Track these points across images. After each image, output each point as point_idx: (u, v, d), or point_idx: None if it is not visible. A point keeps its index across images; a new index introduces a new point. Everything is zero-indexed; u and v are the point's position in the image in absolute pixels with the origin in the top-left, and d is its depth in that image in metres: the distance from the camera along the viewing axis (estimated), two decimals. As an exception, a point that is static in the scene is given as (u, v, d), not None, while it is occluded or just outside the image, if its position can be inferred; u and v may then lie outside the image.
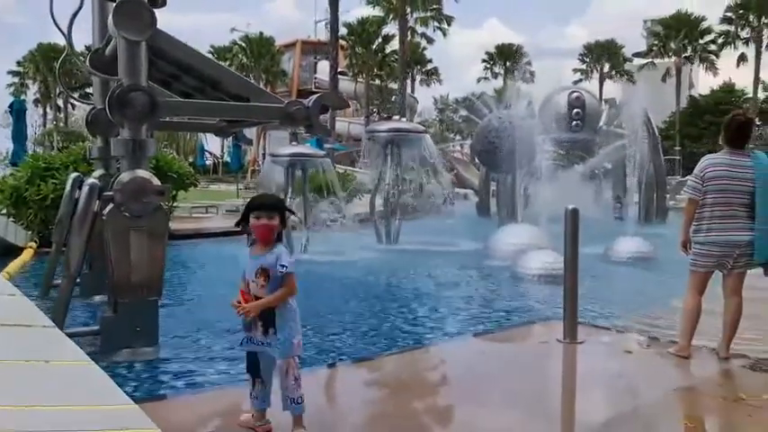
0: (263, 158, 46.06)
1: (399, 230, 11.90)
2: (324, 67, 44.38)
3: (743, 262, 4.39)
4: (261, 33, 49.53)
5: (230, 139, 27.00)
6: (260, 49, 49.18)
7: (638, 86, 40.80)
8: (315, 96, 5.58)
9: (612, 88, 52.01)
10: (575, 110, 18.36)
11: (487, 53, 56.31)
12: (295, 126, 5.65)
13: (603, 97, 38.26)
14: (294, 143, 10.50)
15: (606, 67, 54.11)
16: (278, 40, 51.34)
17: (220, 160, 50.41)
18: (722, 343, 4.49)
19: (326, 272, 9.05)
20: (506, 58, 54.32)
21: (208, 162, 44.41)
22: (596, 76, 54.26)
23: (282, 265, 3.02)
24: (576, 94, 18.71)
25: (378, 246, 11.57)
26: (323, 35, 46.75)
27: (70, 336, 5.09)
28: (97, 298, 6.68)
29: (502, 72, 53.31)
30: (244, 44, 50.03)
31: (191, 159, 37.93)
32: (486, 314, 6.49)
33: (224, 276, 8.54)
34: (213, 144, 50.94)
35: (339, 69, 37.18)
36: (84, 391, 2.81)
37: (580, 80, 49.97)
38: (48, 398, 2.69)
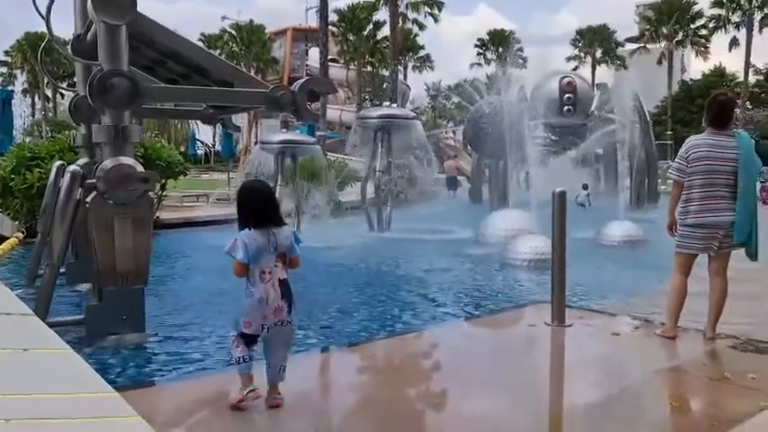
0: (255, 146, 45.86)
1: (391, 218, 11.87)
2: (315, 54, 44.00)
3: (728, 243, 4.39)
4: (251, 21, 49.14)
5: (221, 127, 26.82)
6: (250, 37, 48.78)
7: (630, 71, 40.79)
8: (301, 81, 5.51)
9: (605, 74, 51.93)
10: (566, 95, 18.37)
11: (480, 39, 56.09)
12: (281, 111, 5.57)
13: (596, 83, 38.17)
14: (284, 130, 10.42)
15: (598, 53, 53.95)
16: (269, 27, 50.96)
17: (212, 149, 50.14)
18: (708, 324, 4.49)
19: (318, 259, 9.02)
20: (499, 44, 54.09)
21: (199, 151, 44.17)
22: (589, 61, 54.12)
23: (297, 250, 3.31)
24: (567, 80, 18.71)
25: (369, 233, 11.55)
26: (314, 22, 46.36)
27: (55, 325, 5.05)
28: (83, 286, 6.64)
29: (494, 58, 53.11)
30: (234, 32, 49.60)
31: (182, 149, 37.67)
32: (476, 299, 6.52)
33: (213, 264, 8.55)
34: (205, 133, 50.67)
35: (330, 57, 36.92)
36: (64, 379, 2.77)
37: (576, 67, 49.77)
38: (26, 386, 2.65)
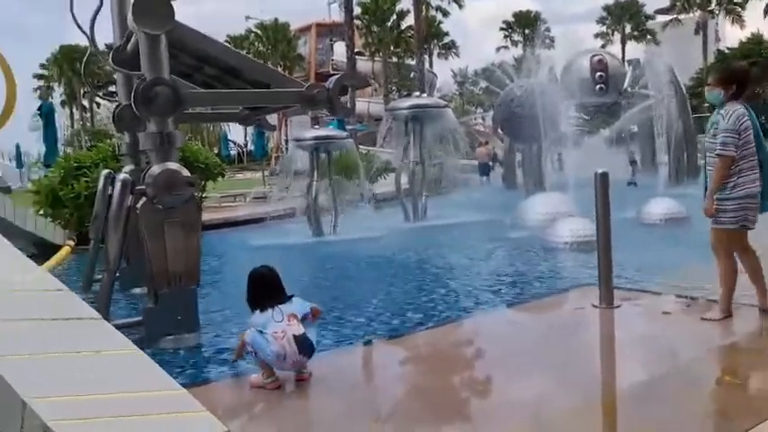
0: (286, 145, 46.27)
1: (426, 207, 11.90)
2: (340, 48, 44.14)
3: (757, 214, 4.36)
4: (276, 19, 49.43)
5: (253, 127, 27.15)
6: (276, 36, 49.13)
7: (663, 45, 39.73)
8: (335, 77, 5.59)
9: (635, 50, 50.73)
10: (598, 73, 18.01)
11: (505, 22, 55.46)
12: (316, 108, 5.66)
13: (627, 59, 37.30)
14: (316, 126, 10.53)
15: (627, 28, 52.70)
16: (292, 24, 51.20)
17: (244, 149, 50.76)
18: (760, 297, 4.42)
19: (357, 251, 9.14)
20: (525, 25, 53.33)
21: (232, 152, 44.78)
22: (617, 38, 52.95)
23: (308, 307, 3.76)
24: (598, 57, 18.35)
25: (406, 223, 11.61)
26: (337, 16, 46.44)
27: (115, 327, 5.27)
28: (136, 290, 6.86)
29: (521, 40, 52.40)
30: (259, 31, 50.00)
31: (215, 150, 38.27)
32: (520, 284, 6.49)
33: (256, 263, 8.74)
34: (236, 134, 51.32)
35: (355, 50, 36.90)
36: (135, 379, 2.91)
37: (604, 45, 48.71)
38: (101, 387, 2.80)
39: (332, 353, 4.26)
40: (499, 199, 15.22)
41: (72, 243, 9.96)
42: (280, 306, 3.66)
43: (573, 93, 17.04)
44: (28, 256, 9.11)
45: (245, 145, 52.35)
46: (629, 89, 18.33)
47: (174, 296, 4.92)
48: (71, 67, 49.27)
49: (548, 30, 50.86)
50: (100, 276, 6.34)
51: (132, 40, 5.82)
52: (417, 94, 14.41)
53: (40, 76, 55.70)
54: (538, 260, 7.69)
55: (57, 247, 9.59)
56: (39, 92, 52.04)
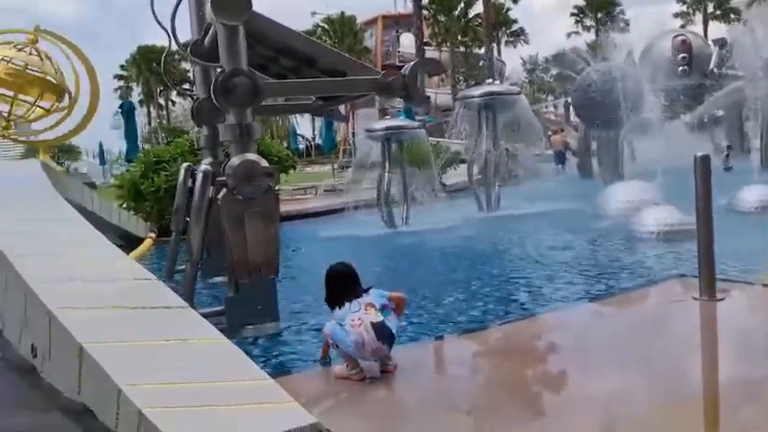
0: (353, 137, 46.56)
1: (500, 196, 11.61)
2: (406, 40, 44.03)
3: None
4: (342, 13, 49.75)
5: (322, 120, 27.42)
6: (342, 29, 49.48)
7: (749, 24, 37.27)
8: (411, 64, 5.45)
9: (716, 30, 47.90)
10: (681, 55, 17.15)
11: (576, 6, 53.59)
12: (392, 96, 5.55)
13: (711, 39, 35.25)
14: (387, 117, 10.44)
15: (710, 7, 49.88)
16: (358, 17, 51.38)
17: (312, 143, 51.44)
18: None
19: (431, 241, 8.99)
20: (597, 9, 51.40)
21: (301, 146, 45.46)
22: (699, 19, 50.17)
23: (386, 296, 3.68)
24: (680, 38, 17.48)
25: (479, 213, 11.37)
26: (402, 8, 46.28)
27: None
28: (217, 279, 6.99)
29: (593, 25, 50.57)
30: (326, 26, 50.48)
31: (284, 144, 38.96)
32: (609, 275, 6.11)
33: (331, 253, 8.73)
34: (304, 128, 52.11)
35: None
36: (223, 368, 2.90)
37: (684, 25, 46.24)
38: (188, 374, 2.80)
39: (415, 345, 4.15)
40: (575, 188, 14.70)
41: (154, 235, 10.31)
42: (357, 299, 3.62)
43: (654, 76, 16.24)
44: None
45: (313, 139, 53.04)
46: (714, 70, 17.30)
47: (254, 286, 4.95)
48: (148, 66, 51.43)
49: (622, 13, 48.85)
50: (181, 267, 6.50)
51: (210, 32, 5.89)
52: (490, 81, 14.06)
53: (119, 77, 58.43)
54: (624, 251, 7.30)
55: (140, 240, 9.95)
56: (119, 92, 54.68)
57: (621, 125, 12.61)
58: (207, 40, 6.03)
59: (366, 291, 3.69)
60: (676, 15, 49.99)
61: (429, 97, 10.51)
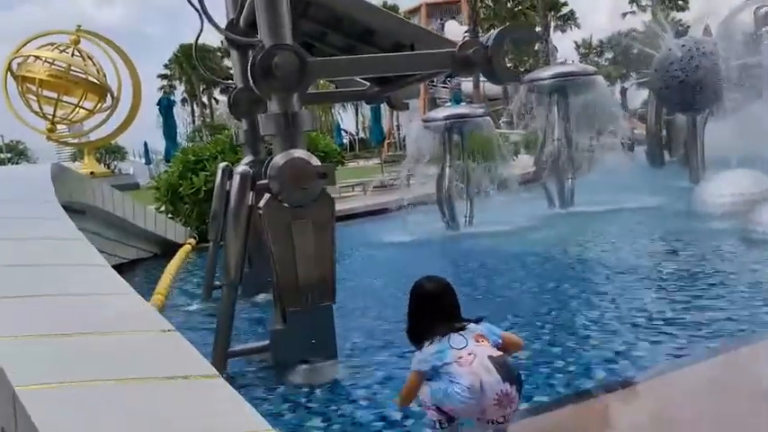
0: (398, 130, 45.40)
1: (573, 190, 10.33)
2: (451, 27, 42.48)
3: None
4: (385, 2, 48.54)
5: (371, 111, 26.43)
6: (386, 19, 48.26)
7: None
8: (495, 31, 4.32)
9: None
10: (766, 27, 15.40)
11: (631, -16, 50.86)
12: (472, 72, 4.43)
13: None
14: (448, 104, 9.29)
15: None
16: (401, 5, 50.08)
17: (356, 137, 50.68)
18: None
19: (502, 246, 7.82)
20: (652, -14, 48.69)
21: (345, 140, 44.68)
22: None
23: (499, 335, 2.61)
24: (765, 9, 15.69)
25: (551, 210, 10.12)
26: (447, -6, 44.83)
27: (239, 354, 4.38)
28: (260, 297, 6.05)
29: (649, 4, 47.94)
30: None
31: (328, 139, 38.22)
32: (743, 298, 4.64)
33: (391, 262, 7.63)
34: (348, 122, 51.42)
35: (466, 27, 35.27)
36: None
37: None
38: None
39: (529, 412, 3.01)
40: (650, 179, 13.27)
41: (193, 241, 9.49)
42: (460, 332, 2.53)
43: (734, 52, 14.66)
44: (150, 255, 8.57)
45: (357, 133, 52.31)
46: (808, 43, 15.49)
47: (307, 315, 3.93)
48: (190, 64, 51.40)
49: (679, -10, 46.06)
50: (220, 283, 5.55)
51: (245, 9, 4.90)
52: (563, 60, 12.71)
53: (163, 76, 58.76)
54: (752, 260, 5.87)
55: (177, 246, 9.11)
56: (163, 91, 55.04)
57: (709, 107, 11.18)
58: (243, 18, 5.05)
59: (475, 321, 2.62)
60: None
61: (519, 74, 9.26)
